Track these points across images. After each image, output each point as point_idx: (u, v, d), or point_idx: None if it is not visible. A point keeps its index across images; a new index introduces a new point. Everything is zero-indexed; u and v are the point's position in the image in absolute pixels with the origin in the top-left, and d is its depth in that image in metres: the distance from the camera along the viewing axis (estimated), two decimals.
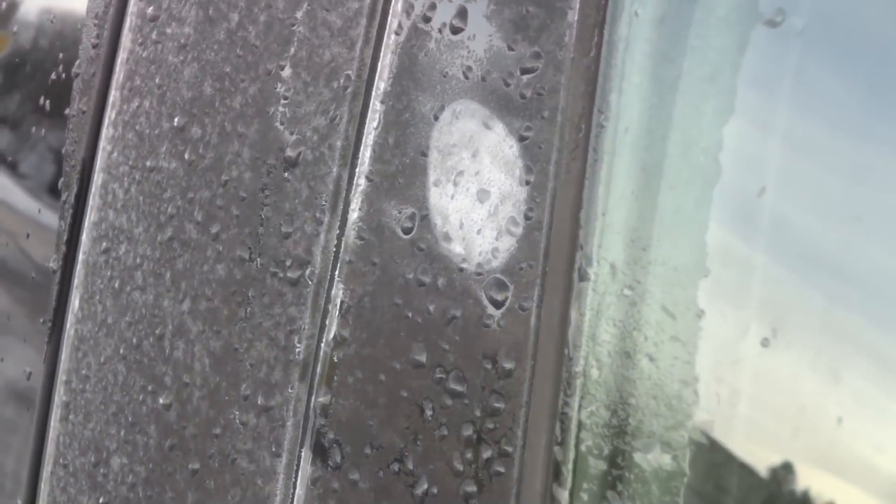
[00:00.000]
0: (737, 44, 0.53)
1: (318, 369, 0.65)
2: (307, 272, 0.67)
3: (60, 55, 0.95)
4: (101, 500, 0.78)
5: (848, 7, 0.51)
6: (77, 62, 0.88)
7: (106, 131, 0.83)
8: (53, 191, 0.92)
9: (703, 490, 0.52)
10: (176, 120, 0.77)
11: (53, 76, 0.96)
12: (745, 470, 0.51)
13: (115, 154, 0.82)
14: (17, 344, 0.99)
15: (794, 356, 0.49)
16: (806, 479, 0.49)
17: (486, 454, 0.56)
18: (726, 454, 0.51)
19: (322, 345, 0.65)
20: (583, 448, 0.54)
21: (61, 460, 0.82)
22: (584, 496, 0.54)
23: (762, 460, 0.51)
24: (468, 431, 0.57)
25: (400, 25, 0.64)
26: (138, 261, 0.78)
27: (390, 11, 0.65)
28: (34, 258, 0.99)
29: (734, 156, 0.52)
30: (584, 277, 0.55)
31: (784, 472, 0.50)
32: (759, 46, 0.52)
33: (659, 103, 0.55)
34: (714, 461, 0.51)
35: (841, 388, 0.48)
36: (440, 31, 0.62)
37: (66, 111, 0.88)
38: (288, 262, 0.68)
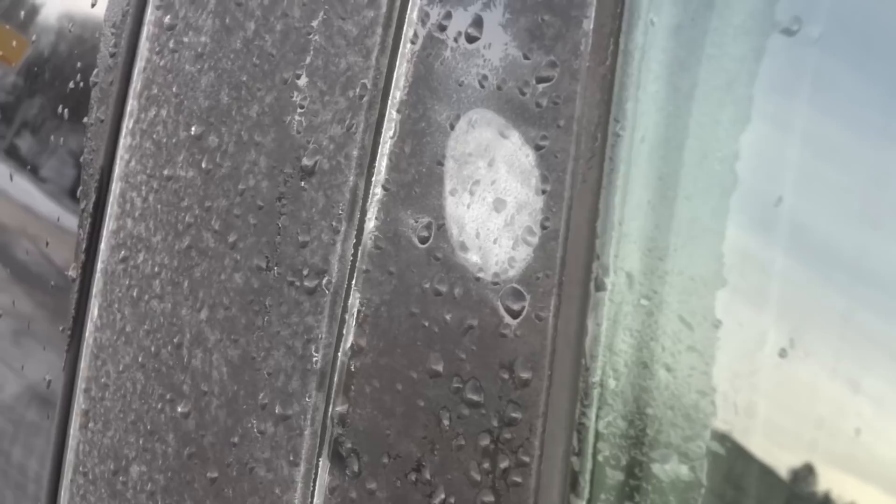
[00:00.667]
0: (753, 52, 0.53)
1: (336, 378, 0.65)
2: (324, 281, 0.67)
3: (78, 64, 0.96)
4: None
5: (864, 15, 0.51)
6: (95, 71, 0.88)
7: (124, 140, 0.84)
8: (72, 199, 0.92)
9: (720, 501, 0.52)
10: (193, 129, 0.77)
11: (71, 85, 0.96)
12: (763, 481, 0.51)
13: (133, 163, 0.82)
14: (36, 352, 0.99)
15: (811, 366, 0.49)
16: (824, 489, 0.49)
17: (504, 464, 0.56)
18: (744, 465, 0.51)
19: (339, 354, 0.65)
20: (600, 458, 0.54)
21: (81, 468, 0.83)
22: None
23: (780, 471, 0.50)
24: (485, 441, 0.57)
25: (416, 34, 0.64)
26: (156, 269, 0.78)
27: (406, 20, 0.66)
28: (53, 266, 1.00)
29: (751, 165, 0.52)
30: (600, 287, 0.55)
31: (802, 482, 0.50)
32: (776, 55, 0.52)
33: (675, 112, 0.55)
34: (731, 472, 0.51)
35: (860, 399, 0.48)
36: (456, 39, 0.62)
37: (85, 120, 0.88)
38: (305, 271, 0.68)
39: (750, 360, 0.50)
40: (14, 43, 1.19)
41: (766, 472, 0.51)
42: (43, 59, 1.08)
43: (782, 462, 0.50)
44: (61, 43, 1.04)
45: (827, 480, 0.49)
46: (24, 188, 1.14)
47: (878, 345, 0.49)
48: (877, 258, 0.49)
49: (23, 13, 1.14)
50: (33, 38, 1.12)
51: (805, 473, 0.49)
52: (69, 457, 0.85)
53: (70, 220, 0.94)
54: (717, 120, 0.53)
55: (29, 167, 1.13)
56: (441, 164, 0.61)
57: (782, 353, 0.49)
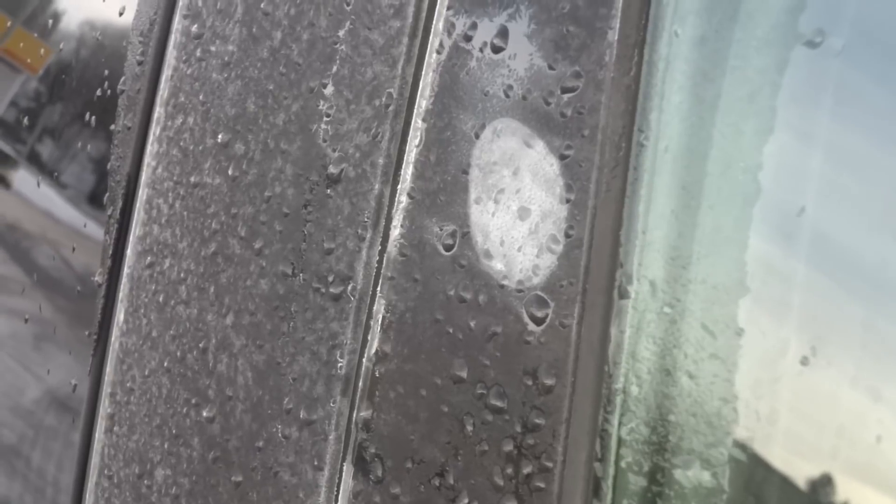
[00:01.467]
0: (776, 64, 0.53)
1: (360, 384, 0.66)
2: (349, 288, 0.67)
3: (106, 72, 0.97)
4: None
5: (888, 27, 0.52)
6: (122, 79, 0.90)
7: (150, 147, 0.85)
8: (99, 205, 0.93)
9: None
10: (220, 136, 0.78)
11: (99, 92, 0.97)
12: (785, 488, 0.51)
13: (160, 170, 0.83)
14: (62, 356, 1.00)
15: (834, 374, 0.49)
16: (846, 497, 0.50)
17: (527, 469, 0.57)
18: (766, 472, 0.51)
19: (364, 360, 0.66)
20: (623, 464, 0.55)
21: (106, 471, 0.84)
22: None
23: (802, 478, 0.51)
24: (509, 447, 0.58)
25: (441, 44, 0.65)
26: (182, 275, 0.79)
27: (432, 30, 0.66)
28: (80, 272, 1.01)
29: (774, 175, 0.52)
30: (624, 295, 0.56)
31: (824, 489, 0.50)
32: (799, 66, 0.53)
33: (699, 122, 0.55)
34: (754, 479, 0.51)
35: (882, 406, 0.48)
36: (481, 49, 0.63)
37: (112, 127, 0.89)
38: (330, 278, 0.68)
39: (772, 367, 0.51)
40: (42, 51, 1.20)
41: (787, 480, 0.51)
42: (70, 66, 1.09)
43: (804, 469, 0.51)
44: (89, 51, 1.05)
45: (848, 487, 0.50)
46: (47, 195, 1.15)
47: None
48: None
49: (50, 21, 1.15)
50: (60, 45, 1.13)
51: (827, 480, 0.50)
52: (94, 460, 0.85)
53: (96, 227, 0.95)
54: (740, 130, 0.54)
55: (55, 173, 1.14)
56: (466, 172, 0.62)
57: (804, 361, 0.50)
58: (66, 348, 1.00)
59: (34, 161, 1.22)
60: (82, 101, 1.02)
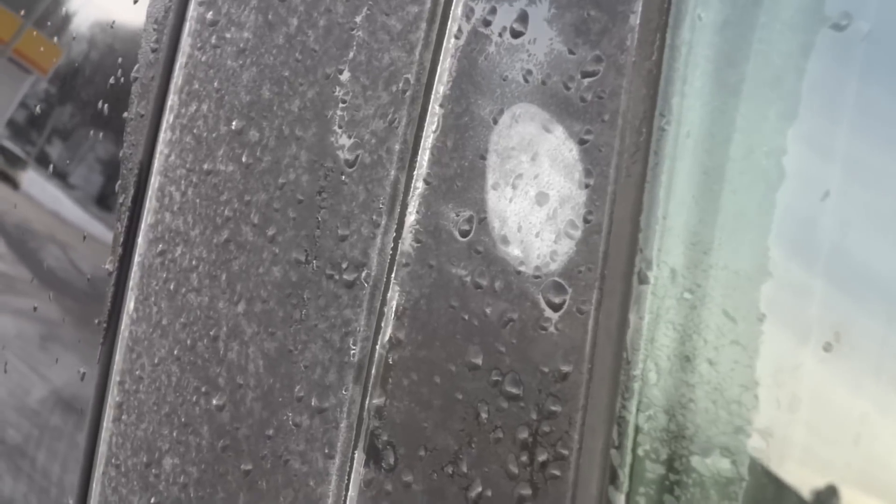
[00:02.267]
0: (801, 48, 0.53)
1: (373, 371, 0.65)
2: (363, 275, 0.67)
3: (119, 59, 0.96)
4: (152, 501, 0.78)
5: None
6: (136, 66, 0.89)
7: (163, 135, 0.84)
8: (110, 193, 0.93)
9: (761, 495, 0.51)
10: (234, 123, 0.78)
11: (112, 80, 0.97)
12: (805, 476, 0.50)
13: (173, 157, 0.82)
14: (71, 344, 1.00)
15: (857, 361, 0.49)
16: (866, 485, 0.49)
17: (542, 457, 0.56)
18: (786, 459, 0.51)
19: (377, 347, 0.65)
20: (640, 452, 0.54)
21: (113, 460, 0.83)
22: (641, 500, 0.54)
23: (822, 466, 0.50)
24: (524, 434, 0.57)
25: (460, 29, 0.65)
26: (194, 263, 0.78)
27: (450, 15, 0.66)
28: (90, 260, 1.00)
29: (798, 160, 0.52)
30: (643, 281, 0.55)
31: (844, 479, 0.49)
32: (825, 50, 0.52)
33: (721, 107, 0.55)
34: (773, 466, 0.51)
35: None
36: (500, 34, 0.62)
37: (125, 115, 0.89)
38: (344, 265, 0.68)
39: (794, 354, 0.50)
40: (52, 51, 1.20)
41: (808, 467, 0.50)
42: (84, 56, 1.09)
43: (824, 457, 0.50)
44: (103, 39, 1.05)
45: (868, 477, 0.49)
46: (56, 187, 1.15)
47: None
48: None
49: (64, 10, 1.15)
50: (74, 35, 1.13)
51: (847, 470, 0.49)
52: (101, 449, 0.85)
53: (107, 216, 0.94)
54: (763, 115, 0.53)
55: (68, 162, 1.13)
56: (483, 158, 0.61)
57: (827, 348, 0.49)
58: (75, 337, 0.99)
59: (42, 161, 1.21)
60: (96, 90, 1.02)
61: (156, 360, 0.80)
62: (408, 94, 0.67)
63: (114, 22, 1.02)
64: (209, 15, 0.82)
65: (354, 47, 0.71)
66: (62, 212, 1.14)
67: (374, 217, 0.67)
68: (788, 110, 0.52)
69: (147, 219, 0.84)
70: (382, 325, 0.65)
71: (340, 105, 0.70)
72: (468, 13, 0.64)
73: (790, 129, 0.52)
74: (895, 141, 0.50)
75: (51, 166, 1.21)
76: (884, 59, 0.51)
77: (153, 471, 0.79)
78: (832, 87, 0.52)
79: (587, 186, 0.57)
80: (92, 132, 1.06)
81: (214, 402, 0.74)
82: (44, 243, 1.20)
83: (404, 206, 0.66)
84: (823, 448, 0.50)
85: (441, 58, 0.66)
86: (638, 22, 0.57)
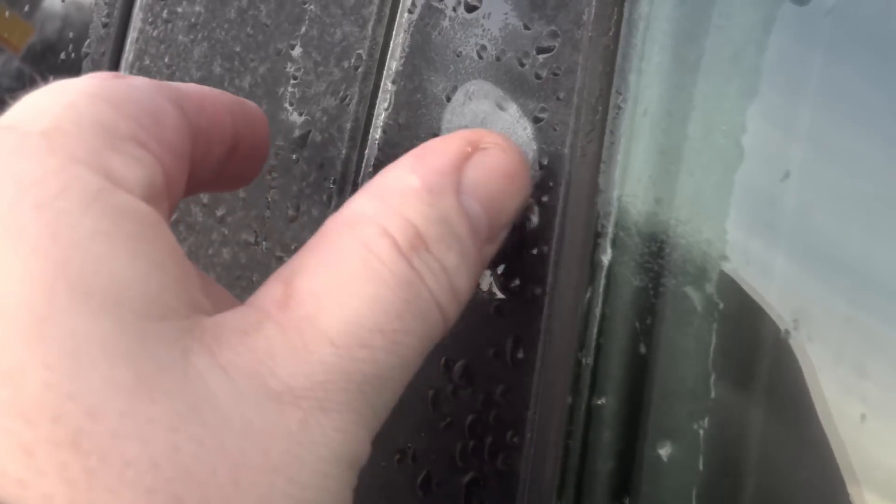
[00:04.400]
0: (762, 22, 0.51)
1: None
2: None
3: (71, 34, 0.94)
4: None
5: None
6: (87, 41, 0.86)
7: None
8: None
9: (715, 492, 0.50)
10: None
11: (63, 56, 0.94)
12: (764, 464, 0.49)
13: None
14: None
15: (816, 349, 0.47)
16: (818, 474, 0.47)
17: (493, 446, 0.54)
18: (743, 446, 0.49)
19: None
20: (592, 439, 0.52)
21: None
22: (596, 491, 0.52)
23: (779, 447, 0.48)
24: (474, 421, 0.55)
25: (413, 4, 0.62)
26: None
27: None
28: None
29: (757, 139, 0.50)
30: (598, 264, 0.53)
31: (805, 464, 0.48)
32: (786, 25, 0.50)
33: (680, 84, 0.53)
34: (730, 454, 0.49)
35: (865, 384, 0.46)
36: (454, 9, 0.60)
37: None
38: (293, 246, 0.66)
39: (752, 339, 0.48)
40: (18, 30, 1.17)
41: (766, 455, 0.49)
42: (37, 31, 1.06)
43: (781, 439, 0.48)
44: (54, 14, 1.02)
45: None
46: None
47: (887, 329, 0.47)
48: (889, 240, 0.47)
49: None
50: (25, 8, 1.10)
51: (804, 458, 0.47)
52: None
53: None
54: (723, 93, 0.51)
55: None
56: (436, 136, 0.59)
57: (785, 335, 0.47)
58: None
59: None
60: (46, 66, 0.99)
61: None
62: (360, 70, 0.65)
63: None
64: None
65: (307, 22, 0.68)
66: None
67: (325, 197, 0.65)
68: (748, 88, 0.50)
69: None
70: None
71: (292, 81, 0.68)
72: None
73: (750, 107, 0.50)
74: (859, 119, 0.48)
75: None
76: (848, 35, 0.49)
77: None
78: (794, 64, 0.50)
79: (542, 167, 0.55)
80: None
81: None
82: None
83: (356, 186, 0.64)
84: (780, 429, 0.48)
85: (394, 33, 0.63)
86: None
